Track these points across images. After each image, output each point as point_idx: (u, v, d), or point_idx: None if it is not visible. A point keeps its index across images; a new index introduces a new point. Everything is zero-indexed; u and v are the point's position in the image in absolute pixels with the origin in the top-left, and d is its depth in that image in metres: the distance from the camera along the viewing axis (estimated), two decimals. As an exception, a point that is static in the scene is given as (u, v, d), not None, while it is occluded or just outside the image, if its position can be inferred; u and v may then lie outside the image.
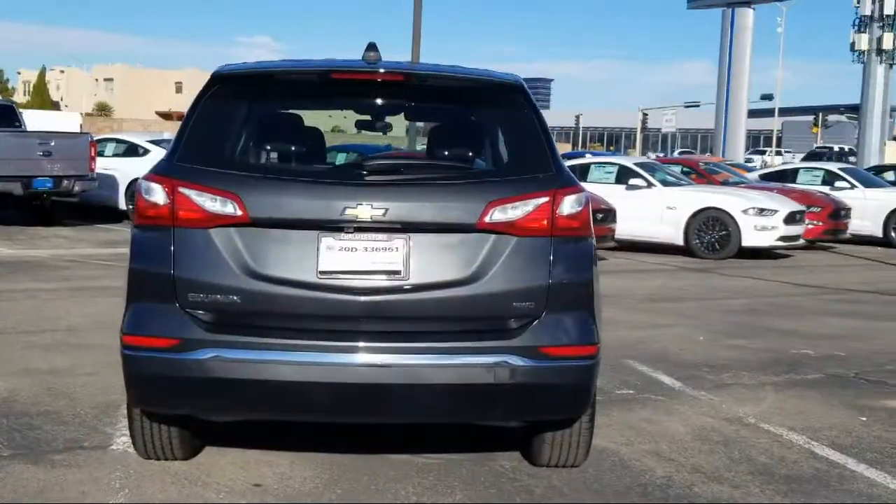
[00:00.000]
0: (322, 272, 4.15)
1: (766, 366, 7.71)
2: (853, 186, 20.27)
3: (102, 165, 17.51)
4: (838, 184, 20.38)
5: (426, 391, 4.20)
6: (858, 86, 39.92)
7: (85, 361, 7.07)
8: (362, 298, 4.16)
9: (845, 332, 9.43)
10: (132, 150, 18.60)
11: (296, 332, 4.18)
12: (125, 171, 18.04)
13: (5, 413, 5.67)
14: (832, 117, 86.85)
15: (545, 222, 4.24)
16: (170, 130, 31.75)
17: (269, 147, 4.74)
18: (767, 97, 78.42)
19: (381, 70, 4.46)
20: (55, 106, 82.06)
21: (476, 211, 4.18)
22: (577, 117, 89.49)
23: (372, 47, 4.56)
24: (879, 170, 25.56)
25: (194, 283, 4.15)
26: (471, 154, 4.73)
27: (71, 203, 17.97)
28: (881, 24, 38.64)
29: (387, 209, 4.13)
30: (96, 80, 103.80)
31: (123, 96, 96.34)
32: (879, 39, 38.70)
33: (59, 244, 14.96)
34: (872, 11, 38.82)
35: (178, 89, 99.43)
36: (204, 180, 4.20)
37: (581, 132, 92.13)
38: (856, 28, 39.36)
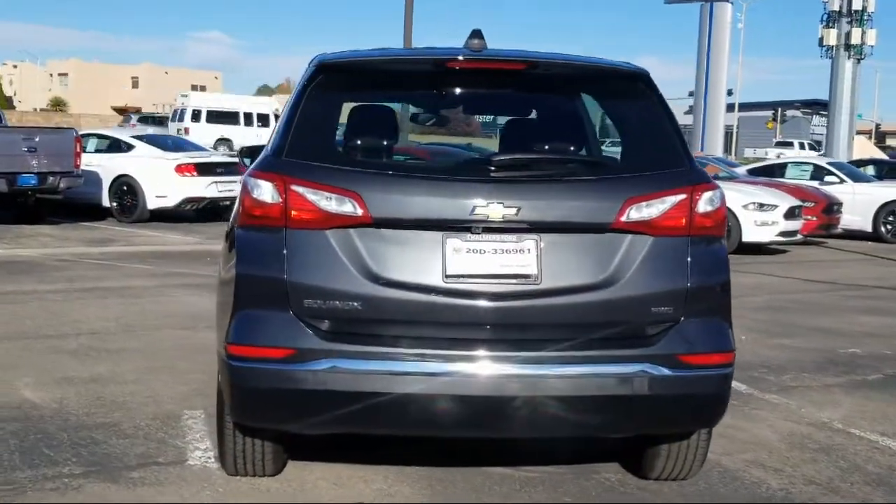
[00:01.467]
0: (449, 276, 3.84)
1: (822, 366, 7.52)
2: (842, 181, 20.27)
3: (85, 161, 16.95)
4: (828, 178, 20.37)
5: (557, 404, 3.91)
6: (814, 81, 40.29)
7: (124, 368, 6.69)
8: (491, 304, 3.86)
9: (883, 330, 9.28)
10: (115, 146, 18.07)
11: (419, 341, 3.87)
12: (109, 167, 17.53)
13: (61, 426, 5.30)
14: (789, 112, 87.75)
15: (683, 221, 3.98)
16: (153, 127, 31.14)
17: (385, 142, 4.41)
18: (728, 93, 79.26)
19: (504, 57, 4.16)
20: (8, 102, 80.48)
21: (612, 209, 3.90)
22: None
23: (477, 34, 4.26)
24: (858, 164, 25.65)
25: (310, 289, 3.83)
26: (598, 148, 4.44)
27: (52, 200, 17.37)
28: (849, 19, 38.92)
29: (519, 208, 3.84)
30: (50, 75, 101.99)
31: (78, 92, 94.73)
32: (848, 34, 39.00)
33: (46, 243, 14.45)
34: (841, 7, 39.08)
35: (135, 84, 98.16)
36: (320, 177, 3.88)
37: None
38: (824, 23, 39.60)
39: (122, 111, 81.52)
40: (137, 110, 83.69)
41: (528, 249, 3.88)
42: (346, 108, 4.48)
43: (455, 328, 3.88)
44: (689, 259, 3.97)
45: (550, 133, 4.51)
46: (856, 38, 38.86)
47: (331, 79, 4.18)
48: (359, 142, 4.32)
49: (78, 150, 16.28)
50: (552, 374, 3.87)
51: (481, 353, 3.86)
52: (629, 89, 4.23)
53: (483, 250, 3.88)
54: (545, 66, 4.21)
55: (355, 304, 3.83)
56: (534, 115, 4.88)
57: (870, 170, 24.20)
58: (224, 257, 4.25)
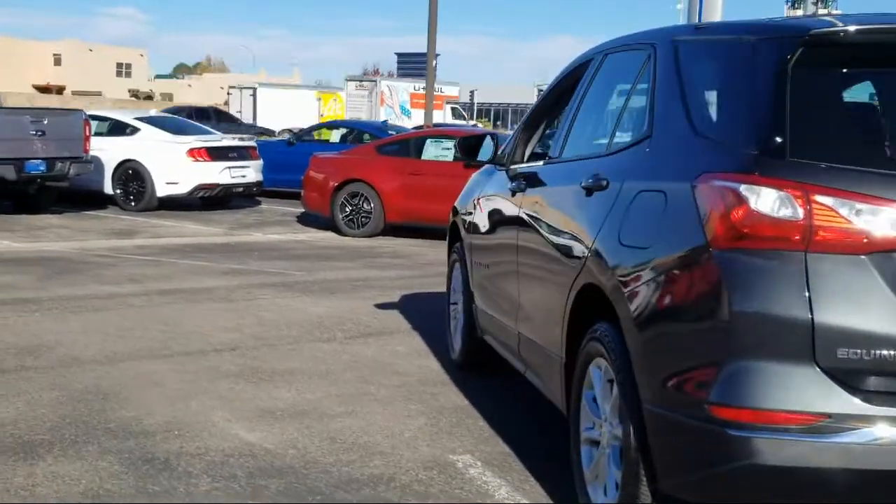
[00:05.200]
0: None
1: None
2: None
3: (84, 146, 15.62)
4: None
5: None
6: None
7: (315, 396, 5.74)
8: None
9: None
10: (118, 129, 16.73)
11: None
12: (111, 152, 16.21)
13: (329, 481, 4.36)
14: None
15: None
16: (101, 106, 29.40)
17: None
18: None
19: None
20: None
21: None
22: (472, 93, 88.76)
23: None
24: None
25: (846, 334, 2.92)
26: None
27: (50, 188, 15.96)
28: (815, 0, 38.80)
29: None
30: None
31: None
32: (814, 16, 38.87)
33: (65, 235, 13.22)
34: (806, -12, 39.00)
35: (57, 62, 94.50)
36: (854, 184, 2.98)
37: (476, 107, 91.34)
38: (790, 4, 39.49)
39: (44, 89, 78.41)
40: (60, 89, 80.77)
41: None
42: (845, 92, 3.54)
43: None
44: None
45: None
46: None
47: (822, 55, 3.26)
48: (879, 135, 3.36)
49: (87, 133, 14.98)
50: None
51: None
52: None
53: None
54: None
55: None
56: None
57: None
58: (688, 285, 3.24)
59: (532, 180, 4.91)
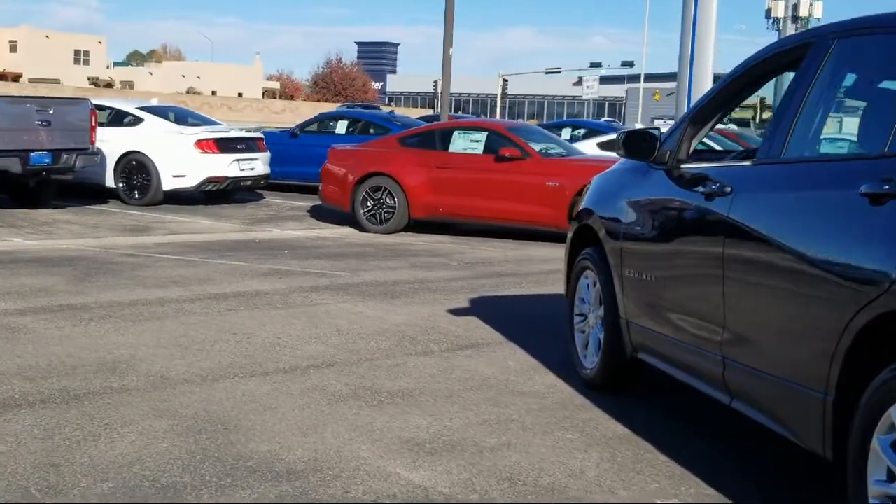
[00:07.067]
0: None
1: None
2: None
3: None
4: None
5: None
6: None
7: (457, 421, 5.13)
8: None
9: None
10: (119, 119, 15.87)
11: None
12: (113, 143, 15.32)
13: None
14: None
15: None
16: (106, 96, 28.40)
17: None
18: (628, 64, 79.19)
19: None
20: None
21: None
22: (436, 83, 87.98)
23: None
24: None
25: None
26: None
27: (49, 181, 15.09)
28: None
29: None
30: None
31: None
32: (796, 6, 38.79)
33: (76, 231, 12.42)
34: (789, -22, 38.87)
35: (13, 48, 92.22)
36: None
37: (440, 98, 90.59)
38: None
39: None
40: (17, 77, 78.80)
41: None
42: None
43: None
44: None
45: None
46: (804, 10, 38.64)
47: None
48: None
49: (94, 123, 14.14)
50: None
51: None
52: None
53: None
54: None
55: None
56: None
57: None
58: None
59: (741, 182, 4.30)
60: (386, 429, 4.95)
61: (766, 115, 34.69)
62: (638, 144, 5.09)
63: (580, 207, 6.06)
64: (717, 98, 4.99)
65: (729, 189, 4.32)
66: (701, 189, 4.56)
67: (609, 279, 5.52)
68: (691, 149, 5.04)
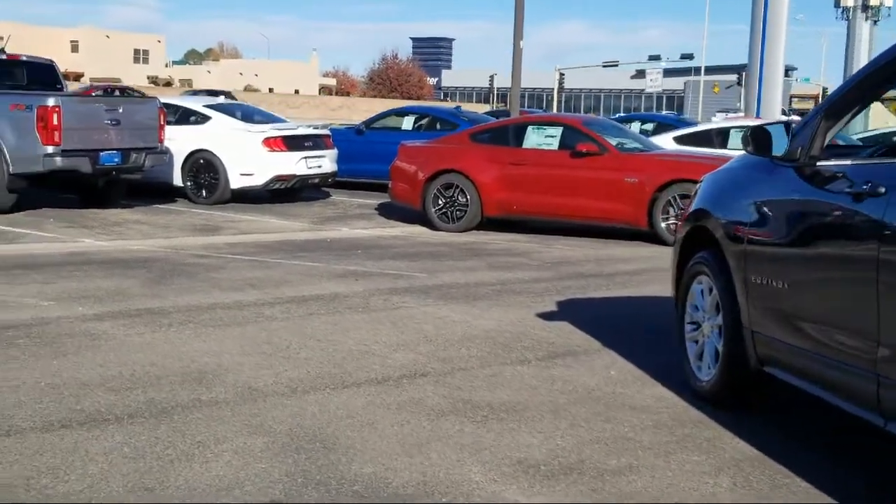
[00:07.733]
0: None
1: None
2: None
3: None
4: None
5: None
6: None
7: (570, 440, 4.77)
8: None
9: None
10: (186, 117, 15.71)
11: None
12: (180, 142, 15.15)
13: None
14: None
15: None
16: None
17: None
18: (688, 56, 78.08)
19: None
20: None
21: None
22: (492, 77, 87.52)
23: None
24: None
25: None
26: None
27: (118, 180, 14.95)
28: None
29: None
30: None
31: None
32: None
33: (147, 231, 12.24)
34: (858, -33, 37.90)
35: (75, 48, 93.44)
36: None
37: (496, 93, 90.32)
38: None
39: (63, 77, 77.29)
40: (78, 76, 79.73)
41: None
42: None
43: None
44: None
45: None
46: (874, 0, 37.68)
47: None
48: None
49: (162, 122, 13.97)
50: None
51: None
52: None
53: None
54: None
55: None
56: None
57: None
58: None
59: None
60: (495, 448, 4.60)
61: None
62: (767, 140, 4.68)
63: (692, 208, 5.66)
64: (856, 89, 4.56)
65: (883, 189, 3.90)
66: (847, 189, 4.15)
67: (729, 285, 5.11)
68: (825, 144, 4.62)
